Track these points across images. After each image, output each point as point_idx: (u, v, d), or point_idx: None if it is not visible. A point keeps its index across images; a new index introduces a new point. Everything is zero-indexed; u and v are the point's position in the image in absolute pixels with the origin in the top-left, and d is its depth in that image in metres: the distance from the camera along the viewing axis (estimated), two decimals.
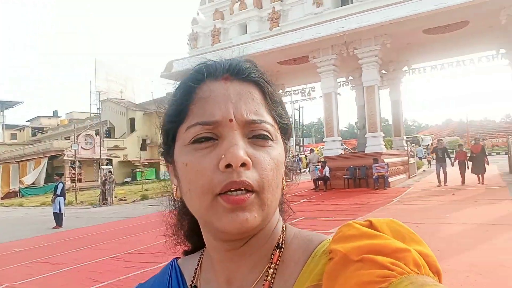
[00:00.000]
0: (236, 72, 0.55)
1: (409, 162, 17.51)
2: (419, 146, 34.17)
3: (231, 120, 0.51)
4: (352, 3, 15.33)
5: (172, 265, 0.67)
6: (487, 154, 13.88)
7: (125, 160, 36.02)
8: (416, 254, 0.44)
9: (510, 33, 13.51)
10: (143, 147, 37.97)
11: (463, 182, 13.23)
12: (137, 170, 33.73)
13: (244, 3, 17.94)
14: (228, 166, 0.49)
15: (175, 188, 0.58)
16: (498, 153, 32.89)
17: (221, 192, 0.49)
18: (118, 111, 40.51)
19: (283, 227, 0.60)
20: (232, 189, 0.49)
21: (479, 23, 13.77)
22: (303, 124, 33.09)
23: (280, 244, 0.57)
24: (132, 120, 39.22)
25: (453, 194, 11.34)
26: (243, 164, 0.49)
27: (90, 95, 36.89)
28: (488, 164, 13.45)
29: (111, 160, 34.67)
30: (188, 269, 0.65)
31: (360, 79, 15.32)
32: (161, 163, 37.11)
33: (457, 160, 13.70)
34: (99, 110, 30.90)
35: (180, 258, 0.68)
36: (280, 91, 22.10)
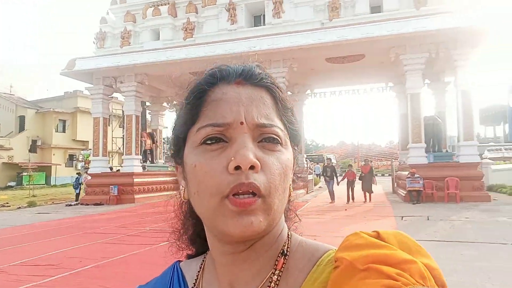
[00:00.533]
0: (248, 76, 0.56)
1: (308, 179, 18.72)
2: (323, 164, 36.82)
3: (242, 123, 0.51)
4: (264, 24, 16.06)
5: (174, 267, 0.66)
6: (374, 174, 15.37)
7: (10, 162, 32.11)
8: (422, 266, 0.44)
9: (397, 69, 15.40)
10: (33, 148, 34.28)
11: (348, 200, 14.02)
12: (24, 173, 30.28)
13: (158, 9, 17.59)
14: (237, 168, 0.48)
15: (183, 190, 0.57)
16: (382, 175, 36.88)
17: (229, 194, 0.49)
18: (5, 107, 36.09)
19: (288, 234, 0.59)
20: (240, 192, 0.48)
21: (373, 57, 15.47)
22: None
23: (285, 251, 0.56)
24: (22, 118, 35.23)
25: (346, 210, 12.39)
26: (252, 167, 0.49)
27: None
28: (375, 184, 14.96)
29: None
30: (190, 272, 0.64)
31: None
32: (52, 167, 33.97)
33: (345, 179, 14.42)
34: None
35: (182, 261, 0.67)
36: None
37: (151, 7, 17.82)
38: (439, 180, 13.15)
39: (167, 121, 25.11)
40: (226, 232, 0.49)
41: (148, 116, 22.61)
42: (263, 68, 0.60)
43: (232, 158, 0.49)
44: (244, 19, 16.19)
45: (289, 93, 18.73)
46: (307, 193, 18.11)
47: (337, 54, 14.92)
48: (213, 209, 0.50)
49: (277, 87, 0.58)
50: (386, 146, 57.20)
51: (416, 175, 13.04)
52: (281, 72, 15.10)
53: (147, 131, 20.63)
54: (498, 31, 12.83)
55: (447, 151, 15.81)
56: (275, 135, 0.53)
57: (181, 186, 0.58)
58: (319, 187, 23.08)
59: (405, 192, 13.77)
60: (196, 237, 0.65)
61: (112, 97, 19.02)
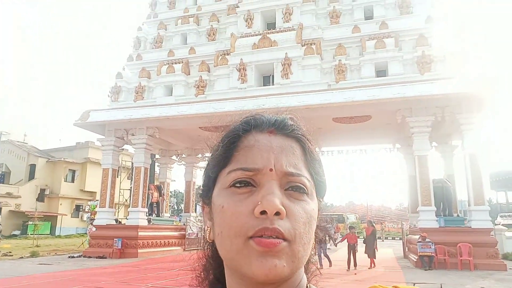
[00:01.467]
0: (281, 127, 0.59)
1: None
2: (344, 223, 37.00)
3: (271, 170, 0.53)
4: (273, 84, 16.58)
5: None
6: (378, 237, 14.64)
7: (17, 210, 32.08)
8: None
9: (404, 131, 15.51)
10: (40, 197, 34.38)
11: (348, 266, 12.67)
12: (30, 222, 30.10)
13: (172, 67, 18.39)
14: (263, 213, 0.50)
15: (208, 230, 0.59)
16: (393, 238, 35.70)
17: (254, 236, 0.50)
18: (18, 155, 36.80)
19: (307, 286, 0.59)
20: (264, 235, 0.49)
21: (380, 119, 15.67)
22: None
23: None
24: (32, 167, 35.75)
25: (355, 274, 11.88)
26: (277, 213, 0.50)
27: None
28: (376, 249, 13.95)
29: (0, 208, 30.65)
30: None
31: None
32: (58, 217, 33.76)
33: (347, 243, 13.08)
34: None
35: None
36: (203, 154, 22.22)
37: (165, 64, 18.65)
38: (451, 245, 12.67)
39: (175, 175, 25.23)
40: (249, 273, 0.50)
41: (157, 169, 22.76)
42: (296, 120, 0.64)
43: (259, 203, 0.51)
44: (254, 78, 16.78)
45: None
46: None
47: (343, 115, 15.17)
48: (237, 250, 0.51)
49: (307, 139, 0.61)
50: (396, 208, 56.05)
51: (427, 240, 12.61)
52: None
53: (155, 184, 20.66)
54: (502, 97, 13.05)
55: (458, 215, 15.40)
56: (301, 184, 0.55)
57: (206, 227, 0.59)
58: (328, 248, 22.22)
59: (416, 257, 13.24)
60: (216, 283, 0.64)
61: (122, 149, 19.33)
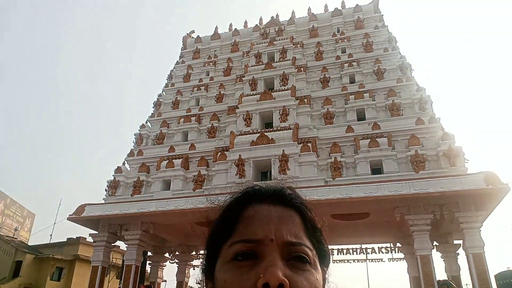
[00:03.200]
0: (279, 197, 0.60)
1: None
2: None
3: (272, 240, 0.53)
4: (270, 179, 16.75)
5: None
6: None
7: None
8: None
9: (403, 229, 15.23)
10: None
11: None
12: None
13: (172, 162, 18.75)
14: (266, 285, 0.48)
15: None
16: None
17: None
18: (5, 251, 35.25)
19: None
20: None
21: (378, 216, 15.51)
22: None
23: None
24: (18, 264, 33.98)
25: None
26: (281, 285, 0.48)
27: None
28: None
29: None
30: None
31: None
32: None
33: None
34: None
35: None
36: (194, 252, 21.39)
37: (165, 159, 19.04)
38: None
39: (167, 275, 23.98)
40: None
41: (148, 268, 21.70)
42: (294, 189, 0.65)
43: (261, 275, 0.49)
44: (252, 173, 17.01)
45: None
46: None
47: (341, 211, 15.04)
48: None
49: (307, 208, 0.62)
50: None
51: None
52: None
53: (145, 284, 19.50)
54: (497, 196, 13.11)
55: None
56: (303, 253, 0.55)
57: None
58: None
59: None
60: None
61: (114, 245, 18.68)
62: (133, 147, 20.70)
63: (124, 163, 20.02)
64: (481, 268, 12.93)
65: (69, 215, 17.40)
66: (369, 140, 16.36)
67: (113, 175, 19.39)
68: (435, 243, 16.12)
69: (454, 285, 14.32)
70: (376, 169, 15.93)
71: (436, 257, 15.69)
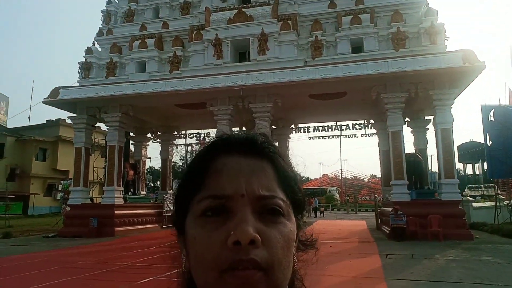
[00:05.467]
0: (250, 147, 0.56)
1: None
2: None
3: (242, 195, 0.50)
4: (249, 61, 16.36)
5: None
6: (352, 209, 15.16)
7: None
8: None
9: (378, 107, 15.75)
10: (11, 177, 33.27)
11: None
12: (1, 203, 29.23)
13: (144, 42, 17.81)
14: (237, 243, 0.47)
15: (184, 260, 0.56)
16: (366, 210, 36.82)
17: (228, 268, 0.47)
18: None
19: None
20: (239, 268, 0.47)
21: (355, 95, 15.83)
22: None
23: None
24: (1, 146, 34.42)
25: (330, 246, 12.23)
26: (252, 242, 0.47)
27: None
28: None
29: None
30: None
31: (253, 131, 16.05)
32: (30, 197, 32.90)
33: None
34: None
35: None
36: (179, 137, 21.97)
37: (137, 39, 18.04)
38: (422, 217, 13.19)
39: (150, 152, 24.91)
40: None
41: (132, 147, 22.37)
42: (267, 136, 0.60)
43: (232, 233, 0.48)
44: (230, 54, 16.51)
45: (273, 127, 18.88)
46: None
47: (320, 91, 15.23)
48: (212, 284, 0.48)
49: (280, 156, 0.57)
50: (369, 181, 57.63)
51: (399, 212, 13.07)
52: (266, 107, 15.27)
53: (130, 162, 20.34)
54: (473, 74, 13.38)
55: (429, 188, 16.01)
56: (276, 206, 0.52)
57: (182, 255, 0.57)
58: (303, 221, 22.59)
59: (389, 229, 13.74)
60: None
61: (95, 127, 18.83)
62: (101, 26, 19.32)
63: (94, 43, 18.91)
64: (447, 142, 13.91)
65: (44, 98, 17.02)
66: (352, 16, 15.70)
67: (84, 57, 18.48)
68: (406, 119, 16.92)
69: (420, 157, 15.63)
70: (357, 48, 15.68)
71: (406, 132, 16.65)
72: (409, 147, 17.50)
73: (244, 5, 17.02)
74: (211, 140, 0.59)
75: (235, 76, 14.87)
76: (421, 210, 13.38)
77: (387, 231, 14.10)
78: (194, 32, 17.19)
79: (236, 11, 16.65)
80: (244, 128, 20.09)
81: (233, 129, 18.17)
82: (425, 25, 14.78)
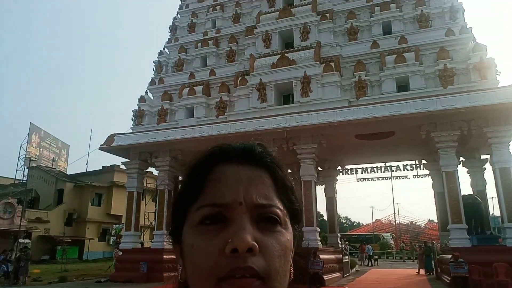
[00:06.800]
0: (248, 156, 0.56)
1: (344, 260, 17.56)
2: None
3: (240, 203, 0.51)
4: (293, 103, 16.57)
5: None
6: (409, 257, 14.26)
7: (46, 234, 32.75)
8: None
9: (429, 146, 15.10)
10: (68, 222, 35.00)
11: None
12: (58, 247, 30.63)
13: (193, 89, 18.71)
14: (234, 250, 0.47)
15: (180, 270, 0.56)
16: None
17: (225, 277, 0.47)
18: (46, 180, 37.85)
19: None
20: (236, 276, 0.47)
21: (403, 135, 15.33)
22: None
23: None
24: (60, 192, 36.62)
25: None
26: (250, 250, 0.47)
27: (18, 160, 34.52)
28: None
29: (30, 233, 31.37)
30: None
31: (299, 173, 15.90)
32: (85, 241, 34.23)
33: None
34: (26, 177, 28.70)
35: None
36: None
37: (186, 87, 19.00)
38: (486, 265, 12.01)
39: None
40: None
41: None
42: (265, 147, 0.60)
43: (229, 240, 0.48)
44: (274, 98, 16.84)
45: (319, 168, 18.58)
46: (342, 277, 16.84)
47: (366, 131, 14.93)
48: None
49: (277, 166, 0.58)
50: (426, 226, 54.16)
51: (460, 260, 12.04)
52: (310, 148, 15.17)
53: None
54: None
55: (492, 233, 14.71)
56: (274, 214, 0.52)
57: (178, 266, 0.56)
58: (356, 270, 21.45)
59: (449, 279, 12.64)
60: None
61: (146, 171, 19.59)
62: (153, 76, 20.64)
63: (147, 92, 20.17)
64: (507, 182, 12.89)
65: (100, 145, 18.12)
66: (396, 55, 15.59)
67: (137, 105, 19.68)
68: (461, 158, 16.02)
69: (479, 199, 14.52)
70: (402, 86, 15.41)
71: (462, 172, 15.72)
72: (466, 188, 16.39)
73: (287, 50, 17.53)
74: (210, 150, 0.59)
75: (279, 118, 15.05)
76: (485, 257, 12.22)
77: (448, 281, 12.97)
78: (239, 78, 17.83)
79: (279, 56, 17.16)
80: (289, 171, 19.96)
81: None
82: (474, 61, 14.30)
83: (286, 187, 0.57)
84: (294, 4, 18.75)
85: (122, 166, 21.08)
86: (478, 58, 14.21)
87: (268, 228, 0.52)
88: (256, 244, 0.48)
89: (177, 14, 22.36)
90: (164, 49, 21.28)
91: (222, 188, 0.53)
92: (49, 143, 42.82)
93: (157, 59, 20.86)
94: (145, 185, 20.22)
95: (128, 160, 18.57)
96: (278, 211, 0.53)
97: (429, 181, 18.06)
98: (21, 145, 38.72)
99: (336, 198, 20.04)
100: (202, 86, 18.71)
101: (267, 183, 0.55)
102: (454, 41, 15.27)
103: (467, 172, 16.83)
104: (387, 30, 16.86)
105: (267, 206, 0.52)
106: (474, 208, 13.90)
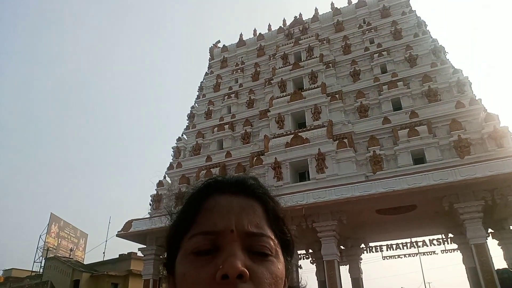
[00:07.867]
0: (241, 187, 0.59)
1: None
2: None
3: (232, 231, 0.52)
4: (308, 180, 16.54)
5: None
6: None
7: None
8: None
9: (454, 218, 14.53)
10: None
11: None
12: None
13: (210, 171, 18.93)
14: (225, 277, 0.47)
15: None
16: None
17: None
18: (63, 271, 37.02)
19: None
20: None
21: (426, 208, 14.90)
22: None
23: None
24: (76, 283, 35.56)
25: None
26: (240, 276, 0.47)
27: (36, 251, 34.25)
28: None
29: None
30: None
31: (320, 252, 15.31)
32: None
33: None
34: (42, 269, 28.23)
35: None
36: None
37: (203, 169, 19.33)
38: None
39: None
40: None
41: None
42: (257, 179, 0.63)
43: (220, 267, 0.48)
44: (289, 175, 16.89)
45: (342, 247, 17.86)
46: None
47: (386, 206, 14.60)
48: None
49: (269, 197, 0.60)
50: None
51: None
52: (330, 225, 14.77)
53: None
54: None
55: None
56: (265, 244, 0.53)
57: None
58: None
59: None
60: None
61: (163, 258, 19.10)
62: (171, 161, 21.19)
63: (165, 177, 20.53)
64: None
65: (118, 231, 18.02)
66: (408, 129, 15.82)
67: (155, 189, 19.91)
68: (490, 230, 15.28)
69: None
70: (418, 159, 15.37)
71: (493, 244, 14.86)
72: (499, 262, 15.35)
73: (300, 130, 18.01)
74: (205, 182, 0.62)
75: (296, 195, 14.93)
76: None
77: None
78: (255, 158, 18.14)
79: (292, 135, 17.59)
80: (310, 251, 19.22)
81: (298, 252, 17.54)
82: (488, 130, 14.37)
83: (277, 217, 0.59)
84: (305, 87, 19.73)
85: (139, 253, 20.69)
86: (492, 128, 14.29)
87: (259, 257, 0.52)
88: (246, 271, 0.48)
89: (194, 103, 23.67)
90: (182, 135, 22.15)
91: (214, 217, 0.54)
92: (68, 232, 42.77)
93: (176, 145, 21.61)
94: (161, 273, 19.54)
95: (145, 246, 18.26)
96: (269, 240, 0.54)
97: (458, 256, 17.05)
98: (40, 236, 38.77)
99: (362, 278, 18.90)
100: (219, 168, 19.02)
101: (259, 213, 0.56)
102: (465, 112, 15.53)
103: (498, 244, 15.87)
104: (397, 106, 17.34)
105: (258, 234, 0.53)
106: (511, 283, 12.89)
